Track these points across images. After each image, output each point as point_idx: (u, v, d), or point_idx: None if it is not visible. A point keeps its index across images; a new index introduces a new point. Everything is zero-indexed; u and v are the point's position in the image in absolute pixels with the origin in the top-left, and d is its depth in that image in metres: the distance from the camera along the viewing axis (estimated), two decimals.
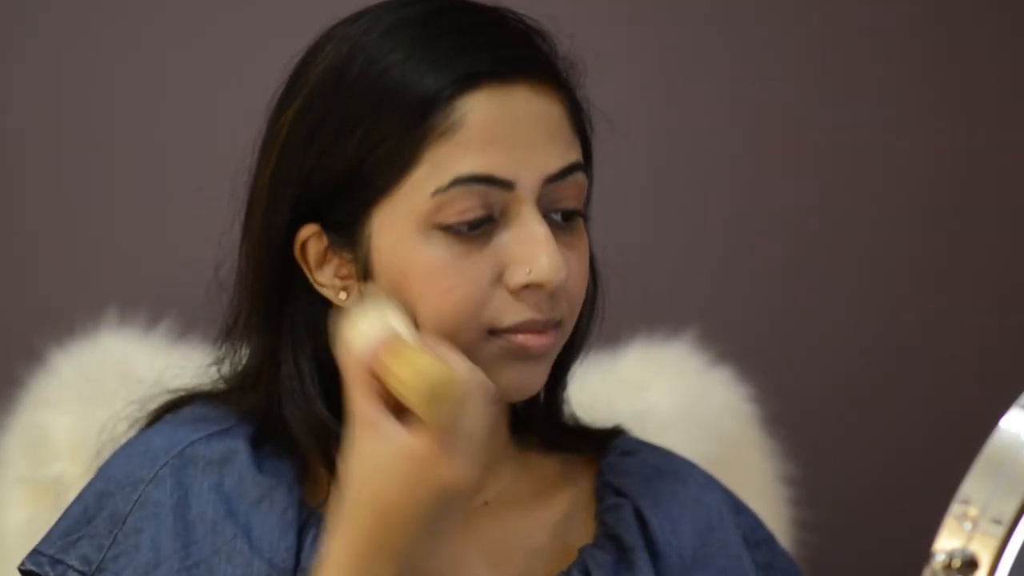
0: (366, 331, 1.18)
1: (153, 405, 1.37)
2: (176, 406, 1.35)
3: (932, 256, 2.12)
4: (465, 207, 1.21)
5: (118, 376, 1.66)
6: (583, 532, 1.35)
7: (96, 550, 1.25)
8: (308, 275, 1.27)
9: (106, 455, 1.35)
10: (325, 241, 1.26)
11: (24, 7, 1.94)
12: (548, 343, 1.24)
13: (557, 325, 1.25)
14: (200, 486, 1.25)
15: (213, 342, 1.37)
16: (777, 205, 2.09)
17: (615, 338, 1.76)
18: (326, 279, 1.27)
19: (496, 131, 1.21)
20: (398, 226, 1.22)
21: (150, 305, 1.78)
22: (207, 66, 1.97)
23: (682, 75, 2.06)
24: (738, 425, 1.82)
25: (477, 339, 1.23)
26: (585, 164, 1.28)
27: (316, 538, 1.26)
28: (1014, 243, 2.12)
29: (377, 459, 1.15)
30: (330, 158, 1.23)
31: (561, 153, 1.24)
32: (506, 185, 1.21)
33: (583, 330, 1.34)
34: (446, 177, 1.21)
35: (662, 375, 1.82)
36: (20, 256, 1.95)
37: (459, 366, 1.16)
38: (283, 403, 1.27)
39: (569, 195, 1.24)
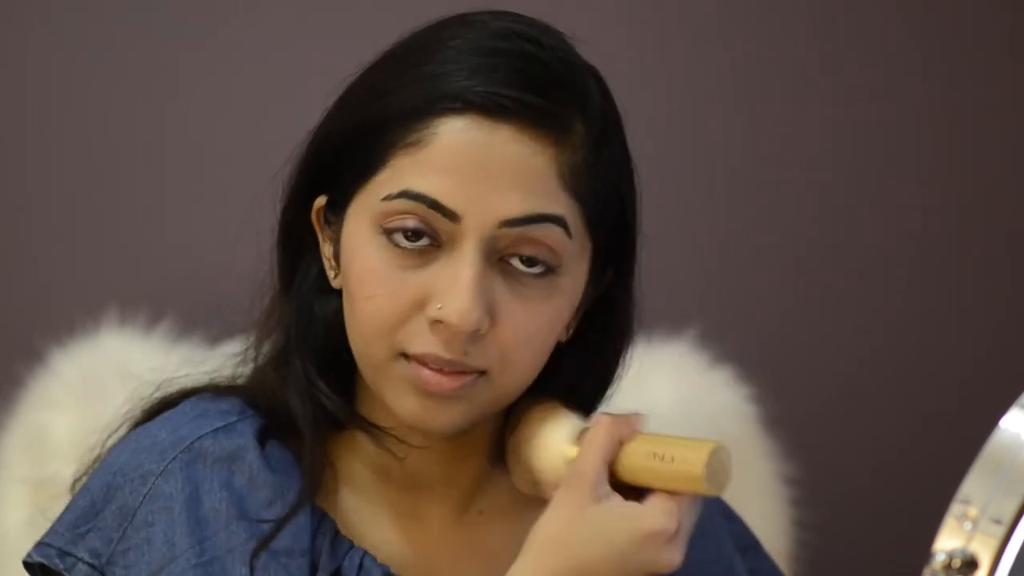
0: (568, 435, 1.24)
1: (157, 396, 1.36)
2: (175, 401, 1.35)
3: (932, 256, 2.11)
4: (404, 219, 1.21)
5: (118, 376, 1.66)
6: None
7: (105, 543, 1.24)
8: (320, 244, 1.29)
9: (91, 461, 1.35)
10: (324, 205, 1.28)
11: (25, 7, 1.94)
12: (452, 387, 1.22)
13: (479, 373, 1.22)
14: (211, 482, 1.25)
15: (213, 342, 1.37)
16: (777, 205, 2.09)
17: None
18: (327, 257, 1.29)
19: (459, 160, 1.20)
20: (359, 221, 1.23)
21: (150, 305, 1.78)
22: (209, 66, 1.97)
23: (682, 75, 2.06)
24: (738, 425, 1.82)
25: (387, 358, 1.22)
26: (603, 222, 1.26)
27: (330, 541, 1.26)
28: (1014, 243, 2.12)
29: (601, 527, 1.16)
30: (338, 129, 1.26)
31: (530, 201, 1.21)
32: (451, 215, 1.20)
33: (614, 370, 1.34)
34: (398, 187, 1.21)
35: (662, 375, 1.81)
36: (20, 256, 1.95)
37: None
38: (288, 385, 1.28)
39: (532, 244, 1.22)
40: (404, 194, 1.20)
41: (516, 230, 1.21)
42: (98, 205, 1.95)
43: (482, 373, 1.23)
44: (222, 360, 1.37)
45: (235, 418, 1.29)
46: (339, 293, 1.27)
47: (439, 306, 1.20)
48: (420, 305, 1.21)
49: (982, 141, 2.11)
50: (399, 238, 1.21)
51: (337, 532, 1.27)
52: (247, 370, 1.33)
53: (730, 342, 1.85)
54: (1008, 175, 2.12)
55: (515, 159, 1.21)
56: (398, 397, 1.23)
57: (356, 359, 1.26)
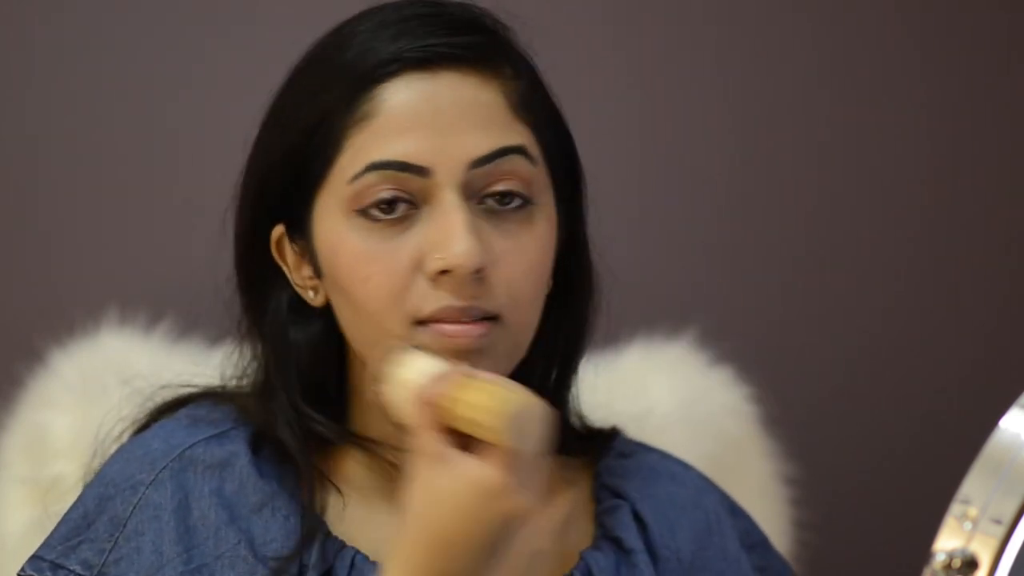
0: (421, 370, 1.18)
1: (151, 405, 1.36)
2: (171, 408, 1.35)
3: (932, 256, 2.11)
4: (378, 191, 1.21)
5: (118, 376, 1.66)
6: (582, 534, 1.35)
7: (97, 554, 1.24)
8: (288, 276, 1.29)
9: (104, 456, 1.35)
10: (283, 234, 1.28)
11: (25, 6, 1.94)
12: (477, 334, 1.22)
13: (491, 318, 1.23)
14: (200, 490, 1.25)
15: (213, 342, 1.37)
16: (777, 205, 2.09)
17: (615, 338, 1.76)
18: (300, 279, 1.28)
19: (413, 117, 1.21)
20: (328, 215, 1.24)
21: (150, 305, 1.78)
22: (209, 67, 1.97)
23: (682, 75, 2.05)
24: (738, 425, 1.82)
25: (403, 331, 1.22)
26: (553, 153, 1.28)
27: (319, 546, 1.25)
28: (1014, 243, 2.12)
29: (444, 492, 1.13)
30: (277, 152, 1.26)
31: (491, 137, 1.23)
32: (421, 171, 1.21)
33: (580, 331, 1.33)
34: (362, 163, 1.21)
35: (662, 375, 1.82)
36: (20, 256, 1.95)
37: (527, 392, 1.15)
38: (274, 405, 1.28)
39: (504, 178, 1.23)
40: (370, 167, 1.21)
41: (486, 168, 1.22)
42: (98, 205, 1.95)
43: (495, 319, 1.23)
44: (222, 360, 1.37)
45: (228, 426, 1.29)
46: (318, 314, 1.27)
47: (439, 256, 1.20)
48: (418, 266, 1.22)
49: (981, 141, 2.11)
50: (375, 213, 1.21)
51: (328, 533, 1.27)
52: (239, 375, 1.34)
53: (730, 342, 1.85)
54: (1008, 176, 2.12)
55: (465, 100, 1.23)
56: None
57: (365, 354, 1.25)
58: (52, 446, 1.65)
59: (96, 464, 1.35)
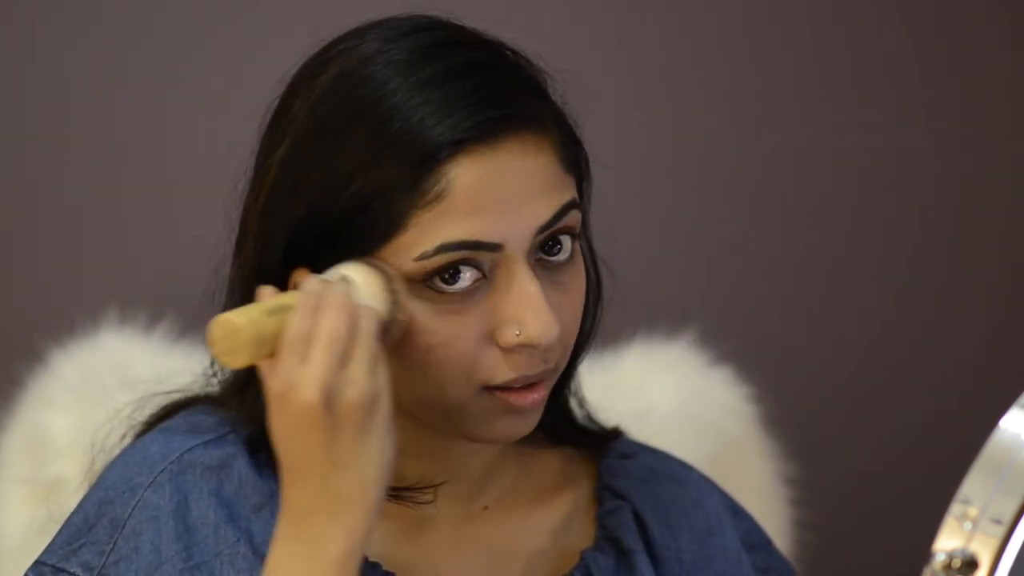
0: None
1: (150, 409, 1.36)
2: (170, 413, 1.35)
3: (932, 256, 2.12)
4: (450, 268, 1.19)
5: (118, 376, 1.66)
6: (583, 535, 1.35)
7: (97, 556, 1.24)
8: None
9: (103, 457, 1.35)
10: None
11: (25, 6, 1.94)
12: (540, 397, 1.23)
13: (549, 373, 1.24)
14: (200, 491, 1.25)
15: None
16: (777, 205, 2.09)
17: (615, 338, 1.76)
18: None
19: (482, 195, 1.19)
20: None
21: (150, 305, 1.78)
22: (208, 66, 1.97)
23: (681, 75, 2.06)
24: (738, 425, 1.82)
25: (468, 396, 1.22)
26: (579, 177, 1.27)
27: None
28: (1014, 243, 2.12)
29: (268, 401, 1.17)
30: (319, 212, 1.22)
31: (551, 201, 1.22)
32: (493, 248, 1.20)
33: (586, 333, 1.33)
34: (432, 243, 1.19)
35: (662, 375, 1.82)
36: (20, 256, 1.95)
37: (300, 299, 1.16)
38: None
39: (559, 233, 1.23)
40: (442, 248, 1.19)
41: (548, 231, 1.22)
42: (98, 205, 1.95)
43: (548, 373, 1.24)
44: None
45: (227, 430, 1.29)
46: None
47: (517, 332, 1.20)
48: (488, 338, 1.21)
49: (982, 143, 2.11)
50: (440, 284, 1.20)
51: None
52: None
53: (730, 342, 1.85)
54: (1008, 176, 2.12)
55: (527, 169, 1.21)
56: (484, 426, 1.23)
57: (414, 410, 1.25)
58: (52, 446, 1.65)
59: (97, 467, 1.35)
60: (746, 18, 2.07)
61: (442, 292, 1.20)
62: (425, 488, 1.28)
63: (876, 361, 2.10)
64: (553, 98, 1.27)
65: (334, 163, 1.21)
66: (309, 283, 1.17)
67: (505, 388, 1.22)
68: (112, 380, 1.65)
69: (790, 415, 1.88)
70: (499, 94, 1.23)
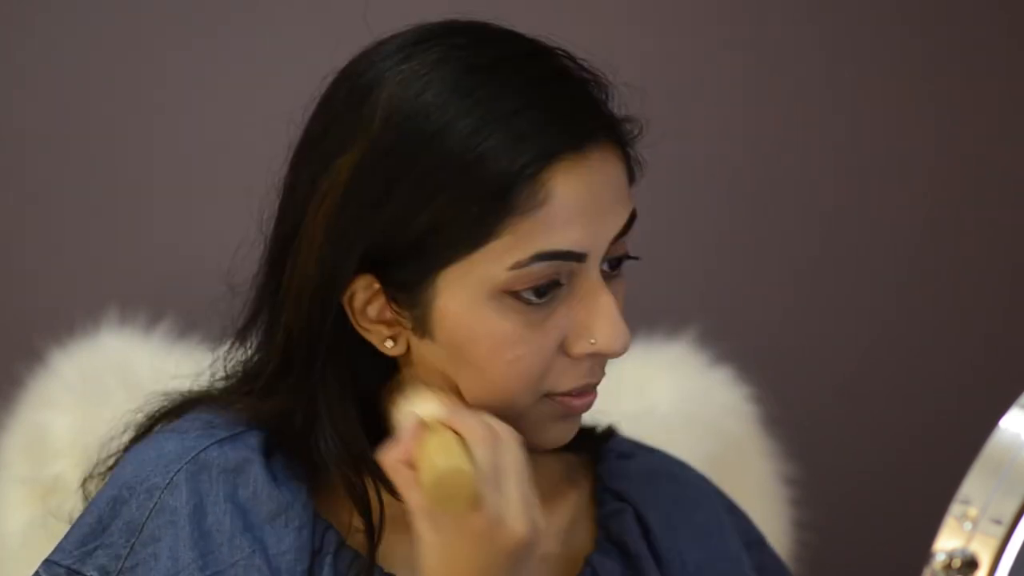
0: (403, 423, 1.21)
1: (152, 407, 1.36)
2: (178, 410, 1.34)
3: (932, 256, 2.12)
4: (539, 278, 1.20)
5: (118, 376, 1.66)
6: (585, 538, 1.35)
7: (113, 560, 1.24)
8: (351, 317, 1.25)
9: (104, 456, 1.35)
10: (376, 288, 1.23)
11: (24, 6, 1.94)
12: (593, 400, 1.26)
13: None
14: (215, 495, 1.25)
15: (214, 342, 1.36)
16: (777, 205, 2.09)
17: None
18: (370, 324, 1.25)
19: (578, 206, 1.20)
20: (468, 291, 1.21)
21: (150, 305, 1.78)
22: (210, 66, 1.97)
23: (681, 75, 2.06)
24: (738, 425, 1.82)
25: (529, 404, 1.24)
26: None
27: (332, 558, 1.25)
28: (1014, 244, 2.12)
29: (442, 545, 1.16)
30: (404, 220, 1.20)
31: (625, 210, 1.24)
32: (580, 257, 1.21)
33: None
34: (527, 252, 1.19)
35: (662, 375, 1.82)
36: (20, 256, 1.95)
37: (476, 433, 1.17)
38: (316, 435, 1.26)
39: (622, 244, 1.25)
40: (537, 257, 1.20)
41: (619, 241, 1.24)
42: (98, 205, 1.95)
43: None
44: (213, 361, 1.36)
45: (242, 428, 1.28)
46: (388, 360, 1.26)
47: (592, 341, 1.22)
48: (561, 348, 1.22)
49: (983, 144, 2.11)
50: (529, 296, 1.21)
51: (342, 543, 1.26)
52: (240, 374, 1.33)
53: (730, 342, 1.85)
54: (1009, 177, 2.12)
55: (612, 180, 1.23)
56: (540, 432, 1.25)
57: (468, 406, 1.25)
58: (52, 446, 1.65)
59: (101, 469, 1.35)
60: (747, 18, 2.07)
61: (530, 303, 1.21)
62: None
63: (876, 361, 2.10)
64: (616, 114, 1.28)
65: (424, 170, 1.20)
66: (463, 418, 1.18)
67: (565, 394, 1.24)
68: (112, 380, 1.66)
69: (790, 415, 1.88)
70: (590, 103, 1.24)
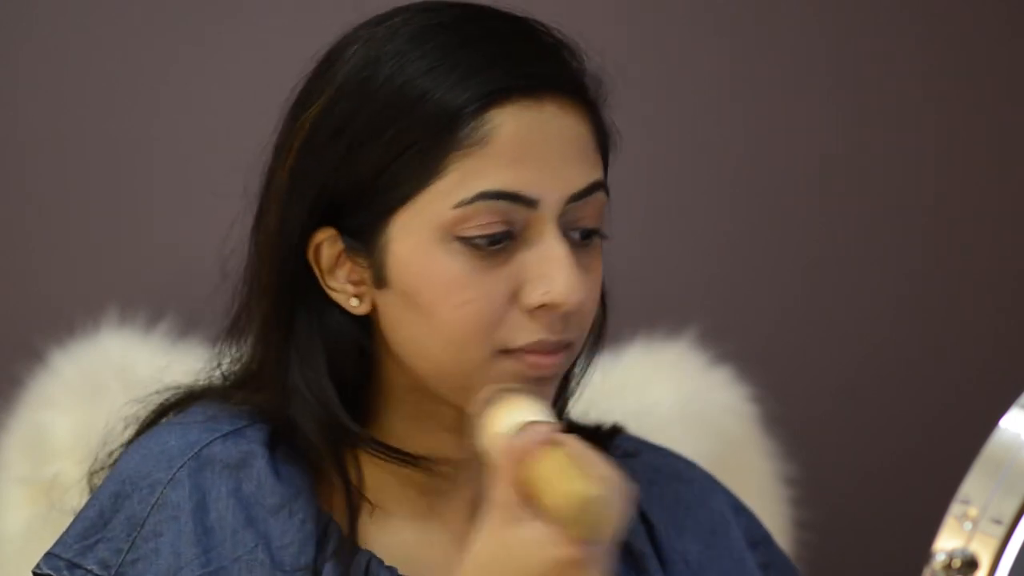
0: (513, 422, 1.16)
1: (156, 400, 1.36)
2: (180, 404, 1.34)
3: (932, 256, 2.11)
4: (487, 221, 1.20)
5: (118, 376, 1.66)
6: None
7: (114, 554, 1.24)
8: (319, 278, 1.26)
9: (104, 456, 1.35)
10: (340, 245, 1.24)
11: (23, 6, 1.94)
12: (557, 364, 1.23)
13: (567, 346, 1.24)
14: (218, 490, 1.25)
15: (214, 341, 1.36)
16: (777, 205, 2.09)
17: (615, 338, 1.76)
18: (338, 284, 1.26)
19: (525, 147, 1.20)
20: (417, 234, 1.21)
21: (150, 305, 1.78)
22: (208, 64, 1.97)
23: (682, 75, 2.06)
24: (738, 425, 1.82)
25: (487, 357, 1.22)
26: (605, 165, 1.28)
27: (335, 550, 1.25)
28: (1014, 244, 2.12)
29: (512, 551, 1.11)
30: (353, 162, 1.22)
31: (585, 171, 1.23)
32: (530, 203, 1.20)
33: (589, 345, 1.34)
34: (471, 190, 1.20)
35: (662, 375, 1.82)
36: (20, 256, 1.95)
37: (607, 476, 1.12)
38: (293, 408, 1.26)
39: (589, 214, 1.23)
40: (481, 196, 1.19)
41: (579, 203, 1.22)
42: (98, 205, 1.95)
43: (567, 347, 1.24)
44: (210, 358, 1.36)
45: (245, 422, 1.28)
46: (360, 320, 1.26)
47: (544, 291, 1.20)
48: (513, 298, 1.21)
49: (985, 143, 2.11)
50: (479, 241, 1.20)
51: (343, 536, 1.26)
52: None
53: (730, 342, 1.85)
54: (1010, 176, 2.12)
55: (567, 131, 1.22)
56: None
57: (426, 373, 1.24)
58: (52, 446, 1.65)
59: (102, 470, 1.35)
60: (747, 18, 2.07)
61: (476, 247, 1.20)
62: (442, 462, 1.28)
63: (876, 361, 2.10)
64: (597, 75, 1.27)
65: (371, 111, 1.22)
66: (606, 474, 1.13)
67: (524, 350, 1.22)
68: (112, 380, 1.66)
69: (790, 415, 1.88)
70: (544, 50, 1.24)
